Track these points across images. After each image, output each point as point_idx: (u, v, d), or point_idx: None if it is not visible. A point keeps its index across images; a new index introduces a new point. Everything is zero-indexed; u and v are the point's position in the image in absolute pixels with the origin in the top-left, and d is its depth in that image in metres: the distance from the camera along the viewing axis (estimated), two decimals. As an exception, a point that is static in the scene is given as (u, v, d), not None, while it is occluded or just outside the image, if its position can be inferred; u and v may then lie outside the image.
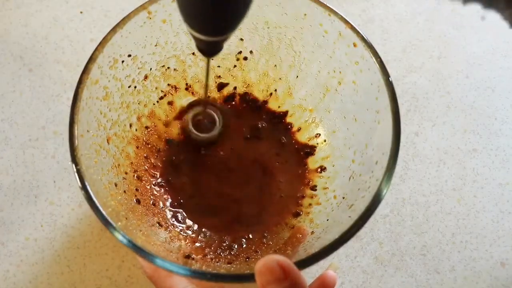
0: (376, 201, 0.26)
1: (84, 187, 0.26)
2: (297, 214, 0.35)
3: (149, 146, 0.36)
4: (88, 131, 0.28)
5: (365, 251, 0.37)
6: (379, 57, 0.29)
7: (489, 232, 0.38)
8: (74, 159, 0.26)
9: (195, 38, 0.23)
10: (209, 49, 0.25)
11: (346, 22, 0.30)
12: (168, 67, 0.36)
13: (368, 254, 0.37)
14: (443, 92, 0.43)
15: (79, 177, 0.26)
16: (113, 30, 0.30)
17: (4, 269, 0.35)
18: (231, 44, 0.36)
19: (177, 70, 0.36)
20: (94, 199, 0.26)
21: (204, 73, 0.37)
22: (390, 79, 0.29)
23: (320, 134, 0.37)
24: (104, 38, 0.29)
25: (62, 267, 0.35)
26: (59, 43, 0.43)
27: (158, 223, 0.33)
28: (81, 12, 0.44)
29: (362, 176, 0.30)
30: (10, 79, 0.41)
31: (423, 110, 0.42)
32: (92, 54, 0.29)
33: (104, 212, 0.25)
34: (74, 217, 0.37)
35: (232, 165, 0.37)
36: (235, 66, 0.37)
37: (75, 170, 0.26)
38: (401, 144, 0.40)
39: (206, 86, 0.33)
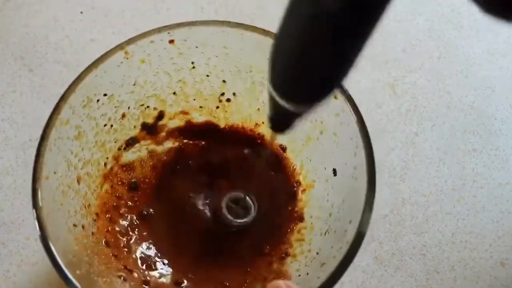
0: (344, 264, 0.25)
1: (42, 234, 0.25)
2: (270, 264, 0.34)
3: (125, 185, 0.35)
4: (55, 172, 0.27)
5: (365, 251, 0.37)
6: (359, 112, 0.28)
7: (489, 232, 0.38)
8: (35, 204, 0.25)
9: (276, 107, 0.21)
10: (283, 123, 0.23)
11: None
12: (148, 106, 0.34)
13: (368, 254, 0.37)
14: (442, 92, 0.43)
15: (38, 223, 0.25)
16: (87, 70, 0.29)
17: (5, 269, 0.35)
18: (213, 85, 0.35)
19: (157, 109, 0.35)
20: (52, 248, 0.24)
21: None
22: (368, 135, 0.28)
23: (300, 183, 0.36)
24: (77, 77, 0.28)
25: (62, 267, 0.35)
26: (59, 43, 0.43)
27: (126, 267, 0.31)
28: (81, 12, 0.44)
29: (336, 233, 0.29)
30: (11, 79, 0.41)
31: (422, 110, 0.42)
32: (64, 93, 0.28)
33: (61, 264, 0.24)
34: (74, 217, 0.37)
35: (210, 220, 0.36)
36: (217, 107, 0.36)
37: (35, 215, 0.25)
38: (401, 144, 0.41)
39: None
